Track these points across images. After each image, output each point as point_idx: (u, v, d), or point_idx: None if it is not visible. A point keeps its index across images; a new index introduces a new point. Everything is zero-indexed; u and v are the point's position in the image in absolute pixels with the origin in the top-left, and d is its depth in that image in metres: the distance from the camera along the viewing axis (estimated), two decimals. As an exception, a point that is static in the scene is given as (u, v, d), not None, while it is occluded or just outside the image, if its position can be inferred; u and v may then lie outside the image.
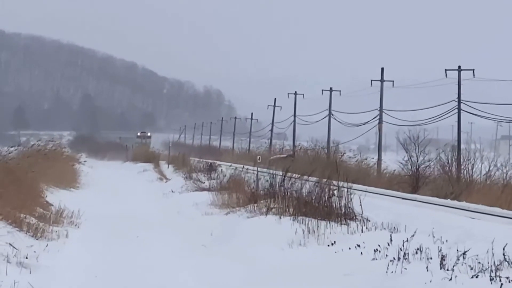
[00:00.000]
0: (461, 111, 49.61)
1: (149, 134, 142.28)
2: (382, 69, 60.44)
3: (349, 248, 16.49)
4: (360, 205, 20.94)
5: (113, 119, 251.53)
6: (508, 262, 13.49)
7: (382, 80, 59.80)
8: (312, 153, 62.49)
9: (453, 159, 42.41)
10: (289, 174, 25.59)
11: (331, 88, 71.61)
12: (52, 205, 27.50)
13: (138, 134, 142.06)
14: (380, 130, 59.68)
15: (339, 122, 69.59)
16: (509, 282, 12.20)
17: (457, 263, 13.55)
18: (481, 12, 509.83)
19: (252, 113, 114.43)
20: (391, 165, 52.67)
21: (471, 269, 13.33)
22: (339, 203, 21.29)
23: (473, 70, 51.94)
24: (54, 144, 56.36)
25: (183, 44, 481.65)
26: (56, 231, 21.08)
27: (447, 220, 21.00)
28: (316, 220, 19.83)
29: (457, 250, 14.27)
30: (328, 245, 17.48)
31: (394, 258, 14.53)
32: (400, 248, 14.91)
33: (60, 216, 24.40)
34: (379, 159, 57.27)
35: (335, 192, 21.70)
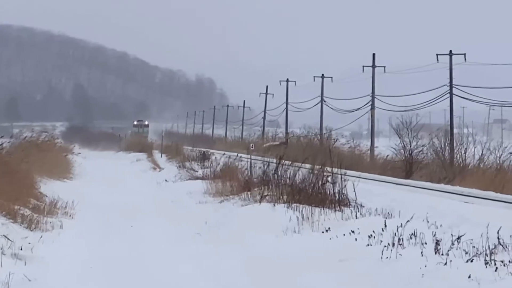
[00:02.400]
0: (453, 95, 49.59)
1: (146, 122, 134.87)
2: (374, 54, 60.43)
3: (344, 235, 16.51)
4: (354, 191, 20.96)
5: (105, 109, 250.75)
6: (502, 245, 13.46)
7: (373, 66, 59.78)
8: (305, 140, 62.48)
9: (446, 144, 42.44)
10: (282, 161, 25.60)
11: (322, 75, 71.64)
12: (46, 196, 27.44)
13: (135, 123, 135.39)
14: (372, 116, 59.71)
15: (331, 108, 69.56)
16: (504, 265, 12.20)
17: (451, 248, 13.56)
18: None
19: (244, 101, 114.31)
20: (384, 150, 52.75)
21: (466, 253, 13.34)
22: (333, 190, 21.31)
23: (465, 54, 51.96)
24: (46, 135, 56.20)
25: (174, 33, 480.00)
26: (51, 222, 21.05)
27: (441, 204, 21.01)
28: (310, 207, 19.85)
29: (452, 234, 14.26)
30: (323, 232, 17.50)
31: (388, 244, 14.53)
32: (395, 234, 14.91)
33: (54, 207, 24.37)
34: (372, 144, 57.35)
35: (329, 178, 21.71)
